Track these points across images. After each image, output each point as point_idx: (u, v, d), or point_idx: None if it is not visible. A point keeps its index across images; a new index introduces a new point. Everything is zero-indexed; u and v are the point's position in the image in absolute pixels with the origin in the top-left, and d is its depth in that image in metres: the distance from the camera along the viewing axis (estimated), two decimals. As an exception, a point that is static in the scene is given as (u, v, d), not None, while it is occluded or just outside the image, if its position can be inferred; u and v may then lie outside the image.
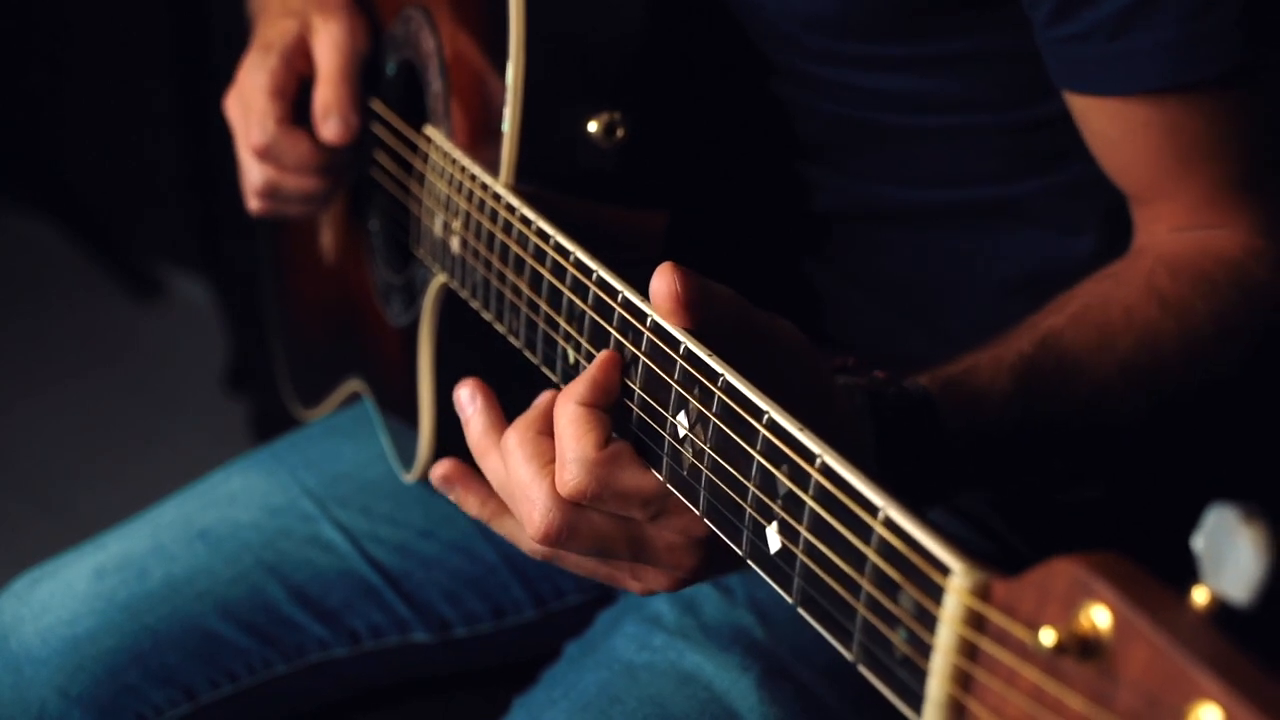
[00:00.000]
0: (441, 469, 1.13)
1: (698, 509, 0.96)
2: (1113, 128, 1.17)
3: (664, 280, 0.96)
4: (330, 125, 1.41)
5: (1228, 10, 1.10)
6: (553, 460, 1.00)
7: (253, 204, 1.48)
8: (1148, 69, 1.12)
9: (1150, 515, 1.25)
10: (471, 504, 1.12)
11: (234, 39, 1.62)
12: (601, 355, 1.02)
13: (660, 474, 0.98)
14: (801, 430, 0.87)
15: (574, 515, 1.00)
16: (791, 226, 1.35)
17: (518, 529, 1.09)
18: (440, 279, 1.31)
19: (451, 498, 1.13)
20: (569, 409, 1.00)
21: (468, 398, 1.08)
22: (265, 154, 1.42)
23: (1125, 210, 1.23)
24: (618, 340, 1.02)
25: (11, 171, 3.52)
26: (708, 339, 0.95)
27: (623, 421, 1.02)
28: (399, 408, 1.44)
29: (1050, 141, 1.25)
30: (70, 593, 1.43)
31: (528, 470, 1.01)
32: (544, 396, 1.05)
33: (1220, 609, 0.65)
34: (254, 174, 1.44)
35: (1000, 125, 1.26)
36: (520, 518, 1.02)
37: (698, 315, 0.96)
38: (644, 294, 1.00)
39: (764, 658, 1.28)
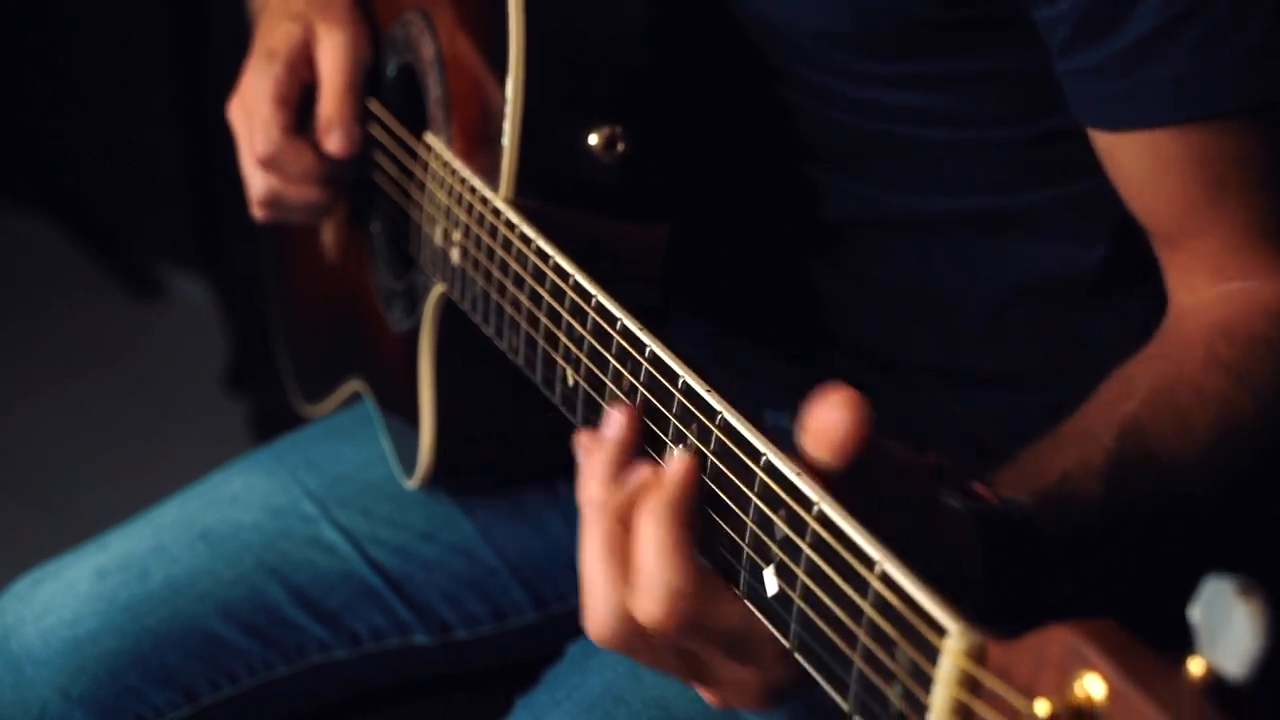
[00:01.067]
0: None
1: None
2: (1140, 164, 1.15)
3: (843, 414, 0.85)
4: (334, 139, 1.40)
5: (1245, 43, 1.09)
6: (625, 563, 0.92)
7: (257, 213, 1.47)
8: (1163, 102, 1.10)
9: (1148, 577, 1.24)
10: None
11: (235, 39, 1.61)
12: (684, 463, 0.92)
13: None
14: (799, 476, 0.85)
15: (636, 640, 0.93)
16: (795, 233, 1.35)
17: None
18: (441, 288, 1.31)
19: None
20: (655, 527, 0.90)
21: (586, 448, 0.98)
22: (269, 164, 1.42)
23: (1136, 222, 1.22)
24: (618, 370, 1.01)
25: (11, 171, 3.52)
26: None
27: None
28: (400, 412, 1.44)
29: (1061, 154, 1.25)
30: (71, 593, 1.43)
31: (597, 569, 0.92)
32: (641, 479, 0.94)
33: (1215, 681, 0.65)
34: (257, 183, 1.44)
35: (1009, 139, 1.25)
36: (582, 594, 0.94)
37: (855, 460, 0.86)
38: (643, 323, 0.99)
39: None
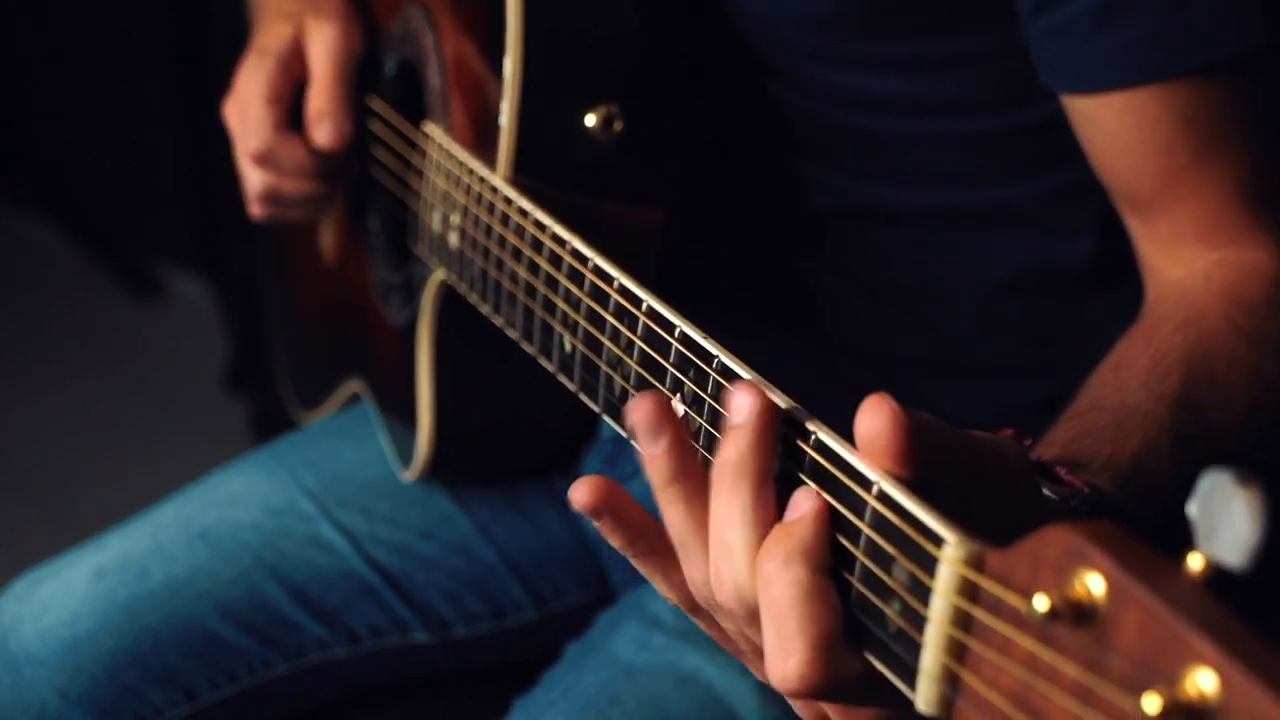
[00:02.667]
0: (588, 495, 0.89)
1: None
2: (1118, 127, 1.14)
3: (880, 418, 0.80)
4: (322, 130, 1.41)
5: (1212, 1, 1.08)
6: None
7: (254, 210, 1.47)
8: (1137, 60, 1.10)
9: None
10: (618, 539, 0.91)
11: (234, 39, 1.62)
12: (816, 504, 0.82)
13: None
14: (796, 407, 0.86)
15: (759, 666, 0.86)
16: (787, 224, 1.35)
17: (663, 577, 0.92)
18: (439, 276, 1.32)
19: (597, 525, 0.91)
20: (797, 576, 0.80)
21: (650, 430, 0.86)
22: (263, 160, 1.42)
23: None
24: (615, 327, 1.02)
25: (11, 171, 3.52)
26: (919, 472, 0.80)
27: (618, 404, 1.02)
28: (398, 406, 1.44)
29: (1046, 146, 1.25)
30: (70, 593, 1.43)
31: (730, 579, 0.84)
32: (811, 509, 0.83)
33: (1215, 574, 0.65)
34: (253, 180, 1.44)
35: (995, 130, 1.26)
36: (713, 616, 0.88)
37: (913, 458, 0.80)
38: (641, 281, 1.00)
39: (764, 658, 1.27)
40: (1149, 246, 1.18)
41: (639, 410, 0.86)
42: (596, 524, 0.90)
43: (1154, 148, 1.13)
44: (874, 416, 0.80)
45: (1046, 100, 1.18)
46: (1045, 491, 0.92)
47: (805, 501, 0.82)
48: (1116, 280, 1.28)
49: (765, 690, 1.26)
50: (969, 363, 1.35)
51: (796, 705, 0.87)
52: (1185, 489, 1.02)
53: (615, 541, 0.91)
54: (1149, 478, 1.01)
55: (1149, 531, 0.96)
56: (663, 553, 0.90)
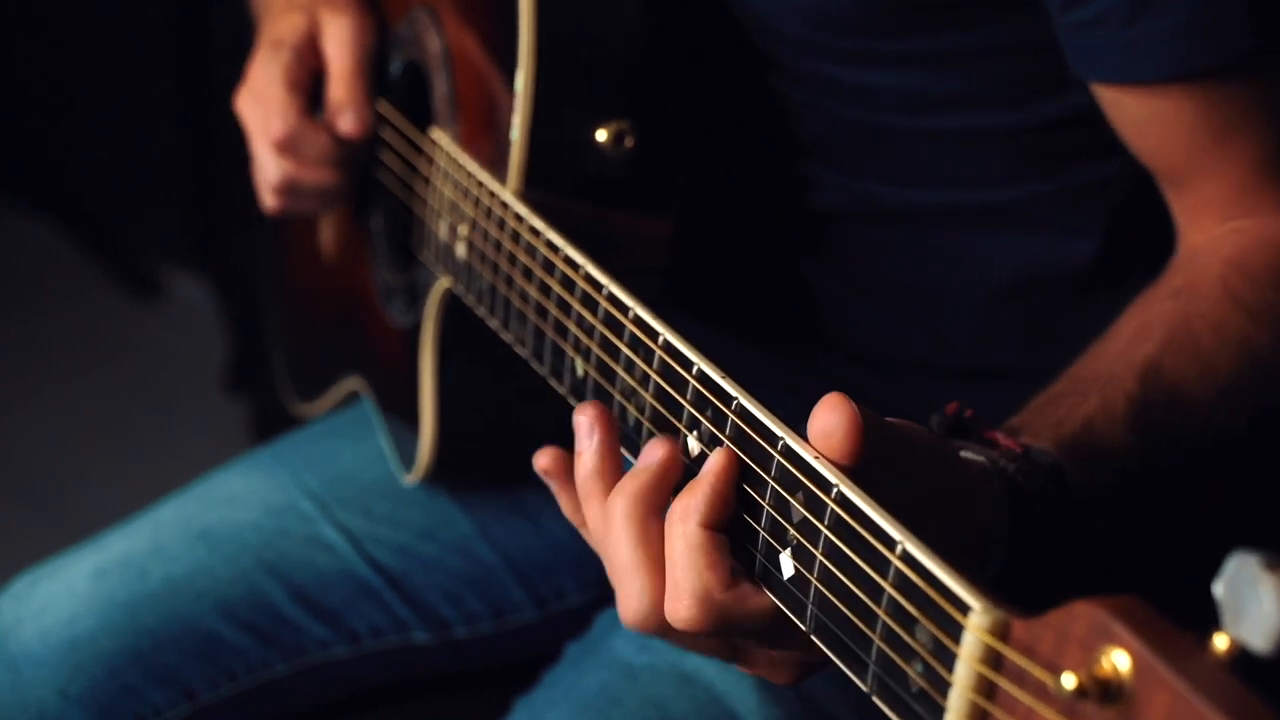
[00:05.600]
0: (545, 460, 1.02)
1: None
2: (1144, 114, 1.15)
3: (838, 416, 0.86)
4: (346, 119, 1.42)
5: None
6: (660, 554, 0.92)
7: (269, 201, 1.47)
8: (1168, 53, 1.11)
9: (1166, 557, 1.24)
10: (566, 505, 1.02)
11: (235, 39, 1.62)
12: (719, 462, 0.91)
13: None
14: (818, 459, 0.86)
15: (670, 630, 0.93)
16: (792, 227, 1.35)
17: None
18: (444, 283, 1.31)
19: (551, 487, 1.03)
20: (689, 531, 0.90)
21: (587, 429, 0.97)
22: (286, 145, 1.42)
23: (1127, 214, 1.22)
24: (630, 358, 1.01)
25: (11, 171, 3.52)
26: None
27: (633, 436, 1.01)
28: (399, 409, 1.44)
29: (1051, 145, 1.25)
30: (70, 593, 1.43)
31: (630, 557, 0.92)
32: (661, 458, 0.94)
33: (1240, 656, 0.65)
34: (271, 169, 1.44)
35: (1001, 127, 1.26)
36: (615, 587, 0.95)
37: (860, 454, 0.87)
38: (655, 311, 0.99)
39: (764, 659, 1.28)
40: (1178, 216, 1.20)
41: (583, 410, 0.97)
42: (551, 486, 1.01)
43: (1178, 130, 1.15)
44: (830, 413, 0.86)
45: (1055, 96, 1.19)
46: (968, 455, 0.96)
47: (713, 460, 0.91)
48: (1119, 281, 1.28)
49: (765, 690, 1.26)
50: (973, 364, 1.35)
51: (697, 645, 0.96)
52: (1146, 458, 1.03)
53: (564, 507, 1.02)
54: (1100, 443, 1.02)
55: (1100, 495, 0.99)
56: None
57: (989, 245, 1.31)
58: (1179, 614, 0.69)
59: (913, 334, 1.35)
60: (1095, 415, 1.03)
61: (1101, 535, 1.04)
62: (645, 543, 0.92)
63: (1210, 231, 1.17)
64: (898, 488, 0.85)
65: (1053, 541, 0.98)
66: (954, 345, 1.35)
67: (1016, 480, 0.96)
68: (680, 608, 0.90)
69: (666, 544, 0.91)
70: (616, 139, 1.20)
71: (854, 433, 0.85)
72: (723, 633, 0.92)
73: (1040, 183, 1.28)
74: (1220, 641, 0.66)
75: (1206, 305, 1.11)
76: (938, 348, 1.35)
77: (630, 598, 0.93)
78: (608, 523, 0.94)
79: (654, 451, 0.94)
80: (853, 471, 0.85)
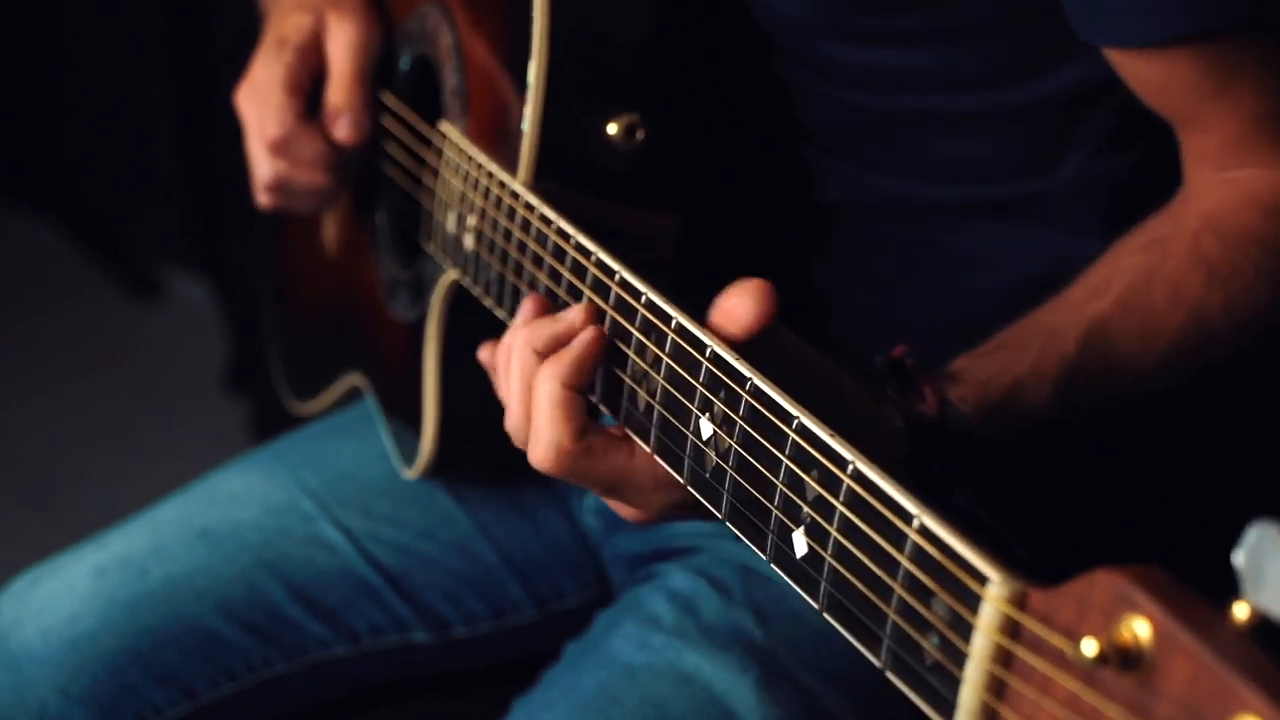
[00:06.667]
0: (484, 352, 1.19)
1: (720, 512, 0.96)
2: (1149, 71, 1.17)
3: (753, 302, 0.99)
4: (341, 126, 1.42)
5: None
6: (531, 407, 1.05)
7: (262, 198, 1.48)
8: (1175, 12, 1.12)
9: (1176, 527, 1.25)
10: (499, 388, 1.15)
11: (235, 39, 1.62)
12: (591, 334, 1.04)
13: (681, 475, 0.98)
14: (833, 436, 0.87)
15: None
16: (799, 221, 1.35)
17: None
18: (450, 275, 1.32)
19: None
20: (551, 389, 1.03)
21: (526, 308, 1.11)
22: (280, 148, 1.42)
23: (1132, 211, 1.22)
24: (637, 339, 1.02)
25: (11, 171, 3.52)
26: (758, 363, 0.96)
27: (643, 419, 1.01)
28: (401, 403, 1.44)
29: (1060, 132, 1.25)
30: (70, 592, 1.43)
31: (513, 402, 1.07)
32: (567, 323, 1.06)
33: (1261, 625, 0.66)
34: (265, 168, 1.44)
35: (1010, 106, 1.25)
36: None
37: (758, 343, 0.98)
38: (667, 295, 1.00)
39: (763, 658, 1.28)
40: (1183, 157, 1.21)
41: (529, 298, 1.10)
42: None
43: (1181, 85, 1.16)
44: (746, 295, 0.99)
45: (1065, 68, 1.21)
46: (887, 410, 1.03)
47: (585, 333, 1.05)
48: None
49: (765, 690, 1.26)
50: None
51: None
52: (1067, 411, 1.08)
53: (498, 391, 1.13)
54: (1022, 406, 1.07)
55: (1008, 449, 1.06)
56: None
57: (995, 241, 1.31)
58: (1197, 583, 0.69)
59: (916, 330, 1.35)
60: (1025, 378, 1.08)
61: (1029, 475, 1.12)
62: (523, 374, 1.06)
63: (1205, 178, 1.19)
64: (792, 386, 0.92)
65: (955, 477, 1.06)
66: (960, 344, 1.34)
67: (922, 438, 1.03)
68: (537, 454, 1.03)
69: (533, 397, 1.04)
70: (627, 132, 1.21)
71: (759, 321, 0.98)
72: (573, 479, 1.05)
73: (1047, 178, 1.28)
74: (1240, 610, 0.66)
75: (1172, 264, 1.13)
76: (941, 346, 1.35)
77: (513, 430, 1.07)
78: (508, 357, 1.08)
79: (524, 308, 1.09)
80: (744, 350, 0.95)
